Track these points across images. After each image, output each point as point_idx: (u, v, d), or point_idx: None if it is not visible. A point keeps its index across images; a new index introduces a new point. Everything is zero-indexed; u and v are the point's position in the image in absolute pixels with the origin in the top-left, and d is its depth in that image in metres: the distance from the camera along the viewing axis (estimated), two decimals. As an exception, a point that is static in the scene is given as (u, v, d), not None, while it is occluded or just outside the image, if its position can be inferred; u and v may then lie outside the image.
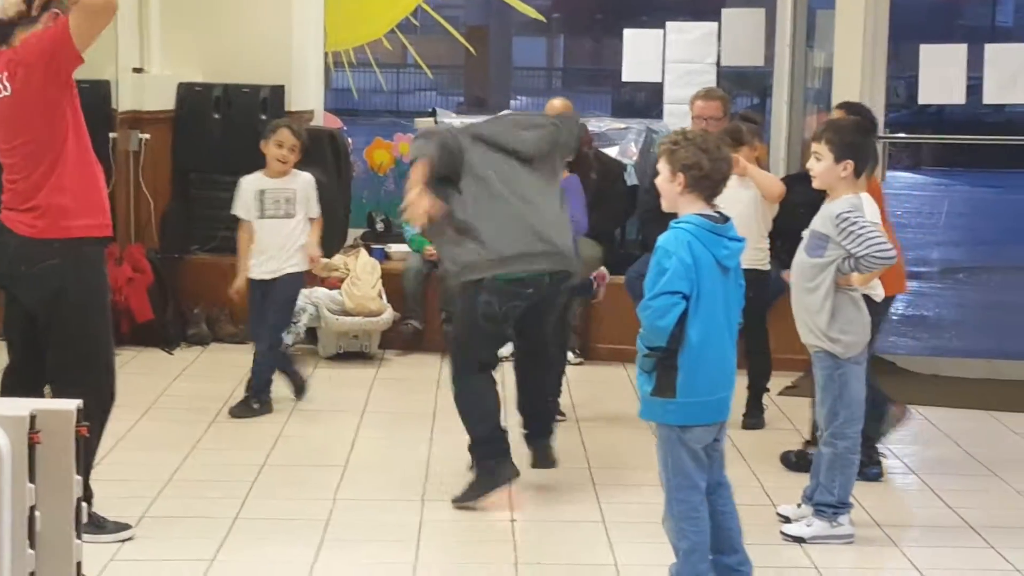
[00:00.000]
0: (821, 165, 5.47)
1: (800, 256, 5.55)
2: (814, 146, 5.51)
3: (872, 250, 5.30)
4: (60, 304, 5.26)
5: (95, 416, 5.05)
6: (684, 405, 4.70)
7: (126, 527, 5.47)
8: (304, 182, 7.39)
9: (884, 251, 5.33)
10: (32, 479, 3.57)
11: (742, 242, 4.77)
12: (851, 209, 5.37)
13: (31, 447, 3.57)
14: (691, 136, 4.78)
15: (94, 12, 5.06)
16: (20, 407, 3.61)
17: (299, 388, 7.54)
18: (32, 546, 3.56)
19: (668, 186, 4.74)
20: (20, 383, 5.38)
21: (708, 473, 4.82)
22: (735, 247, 4.73)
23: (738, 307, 4.78)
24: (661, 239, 4.68)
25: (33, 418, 3.57)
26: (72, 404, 3.73)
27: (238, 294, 7.39)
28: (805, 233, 5.71)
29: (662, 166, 4.75)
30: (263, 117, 8.06)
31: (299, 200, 7.33)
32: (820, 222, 5.48)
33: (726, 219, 4.73)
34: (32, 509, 3.56)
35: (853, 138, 5.51)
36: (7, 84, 5.15)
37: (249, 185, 7.36)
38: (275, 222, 7.31)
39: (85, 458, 5.06)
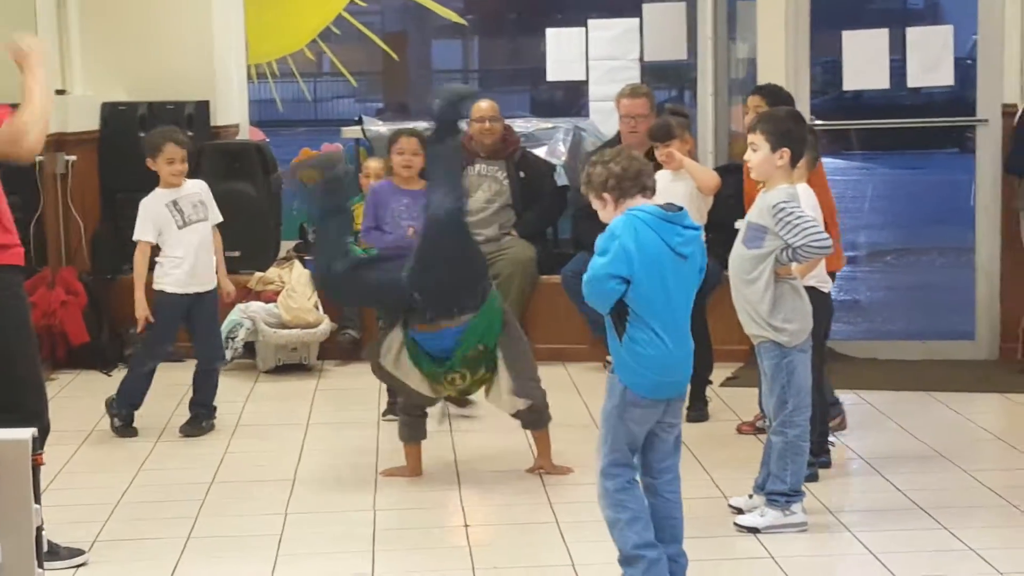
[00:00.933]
0: (758, 155, 5.50)
1: (738, 248, 5.58)
2: (750, 137, 5.54)
3: (809, 239, 5.34)
4: None
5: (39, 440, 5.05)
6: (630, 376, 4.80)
7: (80, 552, 5.42)
8: (203, 187, 7.30)
9: (820, 240, 5.37)
10: (-10, 510, 3.53)
11: (698, 230, 4.82)
12: (787, 199, 5.41)
13: (-13, 479, 3.52)
14: (595, 158, 4.90)
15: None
16: (-25, 439, 3.57)
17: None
18: (-6, 578, 3.52)
19: (605, 212, 4.83)
20: None
21: (657, 457, 4.87)
22: (690, 235, 4.77)
23: (691, 293, 4.82)
24: (613, 221, 4.74)
25: (-11, 449, 3.53)
26: (27, 432, 3.69)
27: (147, 320, 7.13)
28: (739, 224, 5.75)
29: (592, 202, 4.85)
30: (189, 133, 8.01)
31: (208, 201, 7.25)
32: (757, 213, 5.51)
33: (679, 208, 4.78)
34: (-8, 541, 3.52)
35: (788, 126, 5.55)
36: None
37: (155, 203, 7.16)
38: (200, 226, 7.19)
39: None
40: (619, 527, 4.83)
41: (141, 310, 7.15)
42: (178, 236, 7.16)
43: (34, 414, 5.21)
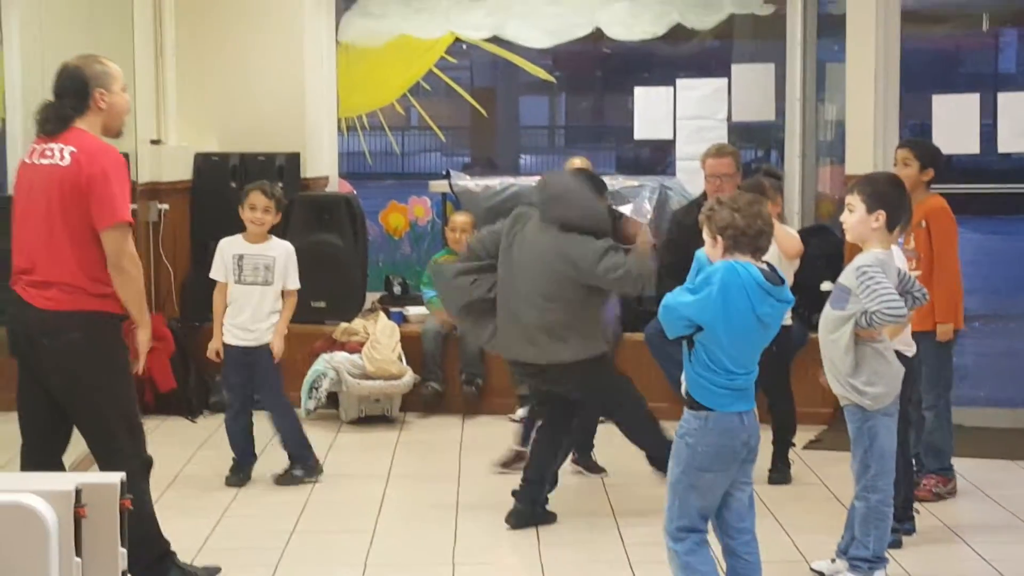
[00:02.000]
0: (853, 217, 5.50)
1: (827, 307, 5.58)
2: (847, 198, 5.54)
3: (882, 306, 5.32)
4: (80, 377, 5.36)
5: (139, 472, 5.39)
6: (696, 453, 4.81)
7: (217, 569, 5.71)
8: (285, 251, 7.28)
9: (894, 309, 5.34)
10: (79, 553, 3.58)
11: (789, 304, 4.82)
12: (872, 263, 5.40)
13: (77, 521, 3.58)
14: (725, 199, 4.91)
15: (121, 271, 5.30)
16: (66, 481, 3.63)
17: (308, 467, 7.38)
18: (80, 621, 3.57)
19: (712, 251, 4.84)
20: (40, 462, 5.43)
21: (733, 517, 4.87)
22: (779, 308, 4.79)
23: (757, 354, 4.84)
24: (716, 263, 4.77)
25: (79, 492, 3.59)
26: (116, 477, 3.75)
27: (217, 355, 7.27)
28: (826, 286, 5.74)
29: (705, 233, 4.87)
30: (280, 185, 8.11)
31: (277, 268, 7.23)
32: (845, 275, 5.51)
33: (781, 280, 4.79)
34: (80, 583, 3.58)
35: (885, 189, 5.55)
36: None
37: (227, 248, 7.29)
38: (252, 288, 7.23)
39: (148, 508, 5.45)
40: None
41: (215, 344, 7.31)
42: (236, 289, 7.26)
43: (133, 455, 5.43)
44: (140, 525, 5.14)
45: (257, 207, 7.20)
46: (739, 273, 4.72)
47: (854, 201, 5.51)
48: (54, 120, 5.35)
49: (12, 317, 5.41)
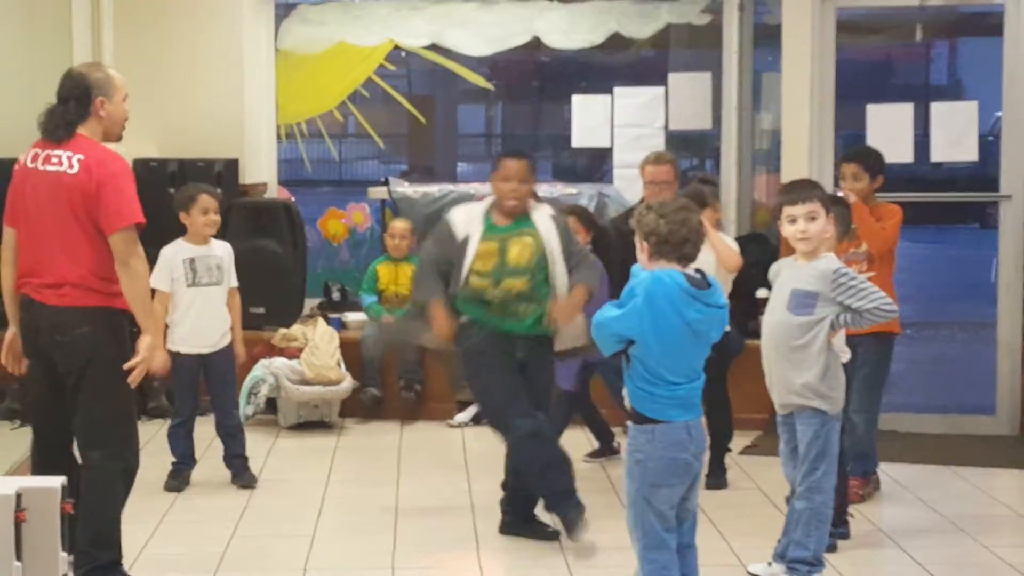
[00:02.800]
0: (818, 224, 5.52)
1: (781, 316, 5.56)
2: (808, 206, 5.50)
3: (879, 303, 5.39)
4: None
5: (120, 476, 5.47)
6: (647, 469, 4.81)
7: None
8: (226, 250, 7.36)
9: (887, 305, 5.42)
10: (19, 557, 3.57)
11: (722, 308, 4.84)
12: (843, 266, 5.48)
13: (17, 525, 3.57)
14: (654, 205, 4.93)
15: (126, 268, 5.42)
16: (5, 485, 3.62)
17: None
18: (22, 624, 3.56)
19: (641, 256, 4.88)
20: (50, 459, 5.47)
21: (678, 534, 4.88)
22: (709, 312, 4.80)
23: (699, 363, 4.87)
24: (642, 274, 4.80)
25: (19, 496, 3.59)
26: (56, 481, 3.75)
27: (165, 366, 7.01)
28: (764, 293, 5.79)
29: (636, 238, 4.90)
30: (218, 190, 8.09)
31: (225, 267, 7.31)
32: (805, 280, 5.51)
33: (707, 284, 4.81)
34: (21, 587, 3.57)
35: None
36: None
37: (174, 254, 7.24)
38: (208, 289, 7.26)
39: (115, 520, 5.42)
40: None
41: (162, 355, 7.00)
42: (183, 293, 7.23)
43: (117, 456, 5.50)
44: (102, 526, 5.20)
45: (210, 210, 7.24)
46: (663, 281, 4.74)
47: (816, 209, 5.52)
48: (61, 127, 5.48)
49: (24, 319, 5.56)
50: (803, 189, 5.68)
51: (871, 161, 6.97)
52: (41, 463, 5.54)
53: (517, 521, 6.50)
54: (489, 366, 6.34)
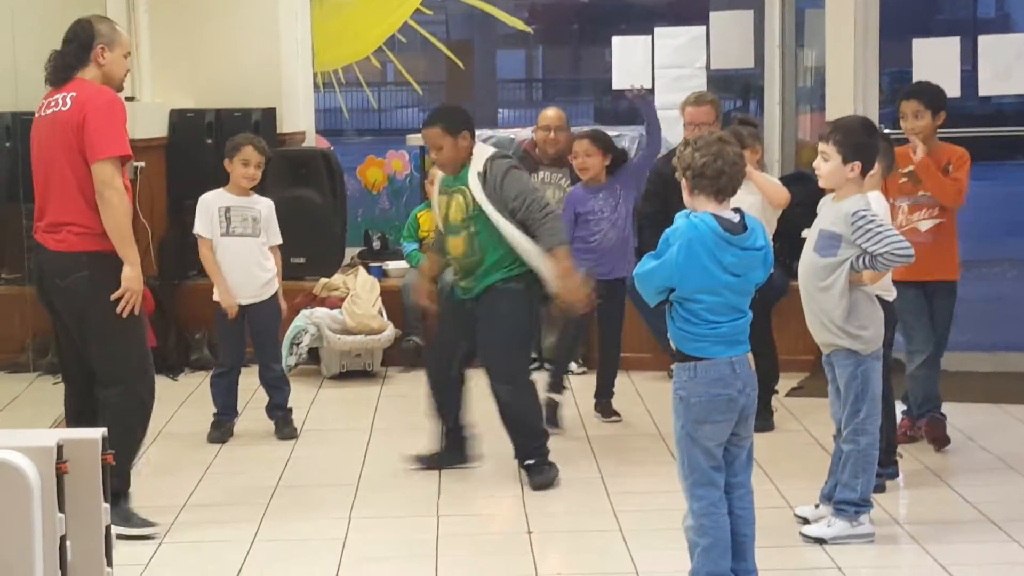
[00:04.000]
0: (828, 166, 5.47)
1: (810, 256, 5.54)
2: (821, 146, 5.51)
3: (892, 247, 5.31)
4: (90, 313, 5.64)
5: (134, 412, 5.67)
6: (690, 406, 4.77)
7: (152, 524, 5.76)
8: (268, 206, 7.29)
9: (902, 248, 5.33)
10: (61, 508, 3.55)
11: (760, 250, 4.77)
12: (865, 208, 5.38)
13: (59, 477, 3.55)
14: (691, 140, 4.89)
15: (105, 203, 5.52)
16: (47, 437, 3.60)
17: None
18: (64, 575, 3.54)
19: (684, 193, 4.82)
20: (79, 404, 5.80)
21: (729, 471, 4.83)
22: (747, 256, 4.73)
23: (744, 305, 4.80)
24: (675, 222, 4.74)
25: (60, 448, 3.56)
26: (98, 432, 3.72)
27: (233, 309, 7.16)
28: (807, 233, 5.71)
29: (678, 175, 4.84)
30: (264, 143, 8.03)
31: (263, 222, 7.24)
32: (831, 221, 5.47)
33: (745, 227, 4.74)
34: (62, 539, 3.55)
35: (860, 139, 5.51)
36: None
37: (212, 201, 7.23)
38: (244, 240, 7.20)
39: (129, 452, 5.64)
40: (696, 551, 4.81)
41: (227, 300, 7.17)
42: (217, 242, 7.20)
43: (131, 391, 5.68)
44: (117, 459, 5.24)
45: (251, 163, 7.19)
46: (696, 227, 4.68)
47: (829, 150, 5.47)
48: (60, 69, 5.66)
49: (33, 263, 5.79)
50: (826, 128, 5.62)
51: (931, 97, 6.80)
52: (71, 409, 5.82)
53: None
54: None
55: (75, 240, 5.58)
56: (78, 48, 5.66)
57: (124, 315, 5.59)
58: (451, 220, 6.41)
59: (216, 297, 7.21)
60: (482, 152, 6.44)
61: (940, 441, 6.82)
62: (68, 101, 5.57)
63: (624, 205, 7.50)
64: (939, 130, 6.83)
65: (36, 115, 5.72)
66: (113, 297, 5.56)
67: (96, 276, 5.57)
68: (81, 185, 5.54)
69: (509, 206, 6.31)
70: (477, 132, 9.81)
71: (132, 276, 5.60)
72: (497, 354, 6.40)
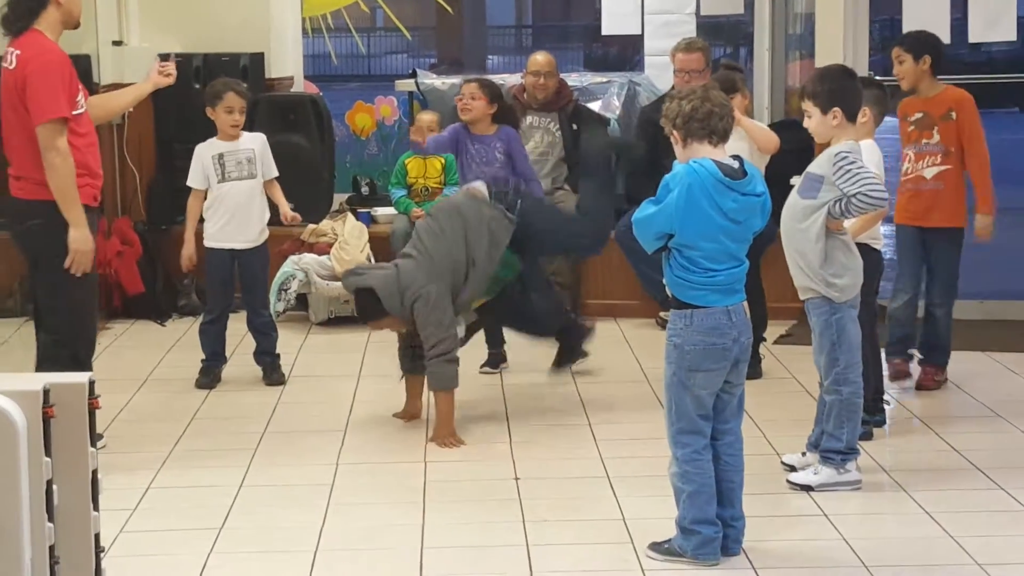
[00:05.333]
0: (812, 121, 5.48)
1: (792, 197, 5.54)
2: (803, 104, 5.51)
3: (864, 188, 5.28)
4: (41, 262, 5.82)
5: (67, 363, 5.65)
6: (684, 353, 4.76)
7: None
8: (260, 141, 7.32)
9: (876, 192, 5.31)
10: (48, 453, 3.55)
11: (760, 196, 4.76)
12: (850, 150, 5.37)
13: (46, 421, 3.55)
14: (674, 93, 4.93)
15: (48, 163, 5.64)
16: (33, 381, 3.59)
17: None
18: (50, 519, 3.55)
19: (677, 149, 4.80)
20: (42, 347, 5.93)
21: (719, 419, 4.84)
22: (746, 201, 4.72)
23: (742, 252, 4.78)
24: (676, 167, 4.73)
25: (47, 392, 3.55)
26: (84, 377, 3.71)
27: (190, 261, 7.26)
28: (795, 180, 5.70)
29: (668, 132, 4.83)
30: (246, 87, 8.00)
31: (258, 160, 7.26)
32: (817, 163, 5.47)
33: (745, 173, 4.73)
34: (49, 483, 3.55)
35: (832, 85, 5.49)
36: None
37: (205, 151, 7.24)
38: (240, 184, 7.21)
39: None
40: (682, 498, 4.83)
41: (187, 250, 7.27)
42: (216, 190, 7.20)
43: (66, 341, 5.80)
44: None
45: (235, 108, 7.18)
46: (696, 172, 4.67)
47: (807, 106, 5.48)
48: (13, 16, 5.73)
49: (4, 209, 5.95)
50: (802, 84, 5.64)
51: (912, 42, 6.85)
52: (38, 352, 5.93)
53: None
54: None
55: (32, 189, 5.72)
56: None
57: (76, 273, 5.71)
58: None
59: (206, 243, 7.20)
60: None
61: (898, 376, 6.96)
62: (14, 60, 5.68)
63: (500, 165, 7.47)
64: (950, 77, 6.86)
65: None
66: (65, 265, 5.70)
67: (49, 225, 5.70)
68: (31, 141, 5.66)
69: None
70: (466, 77, 9.82)
71: (78, 237, 5.71)
72: None
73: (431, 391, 6.35)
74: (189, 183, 7.28)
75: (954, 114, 6.72)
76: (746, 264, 4.81)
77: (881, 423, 6.25)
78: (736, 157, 4.79)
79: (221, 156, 7.21)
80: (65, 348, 5.78)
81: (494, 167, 7.41)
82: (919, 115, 6.77)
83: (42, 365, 5.81)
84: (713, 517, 4.81)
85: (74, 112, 5.71)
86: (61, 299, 5.80)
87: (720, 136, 4.75)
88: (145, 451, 6.13)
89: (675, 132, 4.78)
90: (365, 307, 6.39)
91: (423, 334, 6.23)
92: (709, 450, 4.82)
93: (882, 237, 6.14)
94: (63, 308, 5.81)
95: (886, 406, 6.34)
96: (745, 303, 4.86)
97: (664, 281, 4.85)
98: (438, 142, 7.72)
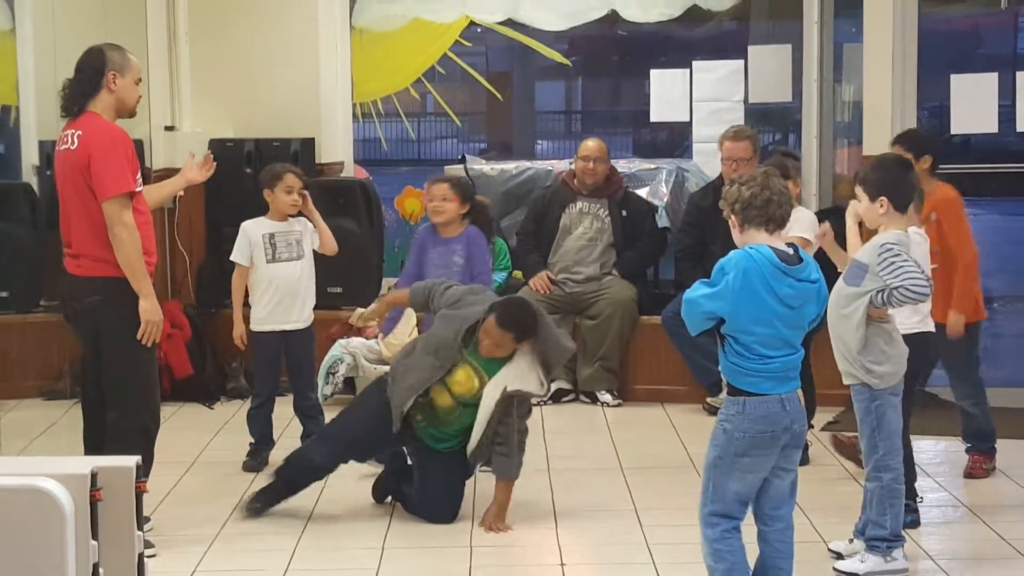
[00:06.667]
0: (861, 207, 5.56)
1: (839, 283, 5.56)
2: (855, 188, 5.57)
3: (907, 282, 5.30)
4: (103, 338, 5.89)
5: (134, 435, 5.76)
6: (732, 439, 4.75)
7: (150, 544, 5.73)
8: (305, 226, 7.35)
9: (918, 286, 5.32)
10: (95, 536, 3.57)
11: (815, 283, 4.77)
12: (896, 242, 5.38)
13: (93, 504, 3.58)
14: (736, 178, 4.91)
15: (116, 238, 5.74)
16: (81, 465, 3.62)
17: None
18: (96, 603, 3.57)
19: (735, 233, 4.84)
20: (92, 429, 6.01)
21: (770, 504, 4.82)
22: (802, 288, 4.73)
23: (797, 338, 4.78)
24: (728, 256, 4.75)
25: (94, 475, 3.58)
26: (131, 460, 3.74)
27: (242, 340, 7.29)
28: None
29: (727, 215, 4.86)
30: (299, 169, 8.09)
31: (305, 243, 7.32)
32: (863, 252, 5.49)
33: (801, 259, 4.74)
34: (96, 566, 3.57)
35: (880, 174, 5.55)
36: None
37: (254, 229, 7.28)
38: (290, 265, 7.25)
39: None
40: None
41: (238, 330, 7.30)
42: (265, 270, 7.24)
43: (133, 414, 5.87)
44: None
45: (294, 189, 7.23)
46: (753, 257, 4.69)
47: (858, 191, 5.58)
48: (72, 98, 5.86)
49: (60, 288, 6.04)
50: (861, 166, 5.69)
51: (912, 141, 6.78)
52: (87, 434, 6.01)
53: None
54: None
55: (91, 266, 5.82)
56: (90, 75, 5.85)
57: (147, 344, 5.81)
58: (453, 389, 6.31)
59: (252, 327, 7.25)
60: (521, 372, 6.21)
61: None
62: (75, 140, 5.78)
63: (458, 270, 7.13)
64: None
65: (56, 148, 5.94)
66: (138, 336, 5.78)
67: (109, 300, 5.80)
68: (91, 219, 5.77)
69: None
70: (515, 164, 9.89)
71: (148, 308, 5.81)
72: None
73: (495, 478, 6.31)
74: (234, 258, 7.31)
75: (934, 215, 6.68)
76: (801, 352, 4.81)
77: (915, 524, 6.07)
78: (790, 244, 4.81)
79: (272, 236, 7.26)
80: (133, 422, 5.84)
81: (451, 271, 7.11)
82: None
83: (112, 444, 5.80)
84: None
85: (136, 189, 5.83)
86: (125, 371, 5.85)
87: (777, 224, 4.78)
88: (192, 534, 6.15)
89: (733, 217, 4.81)
90: None
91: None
92: (739, 531, 4.81)
93: (931, 322, 6.10)
94: (127, 380, 5.86)
95: (919, 502, 6.24)
96: (799, 390, 4.85)
97: (719, 367, 4.85)
98: (407, 271, 7.40)
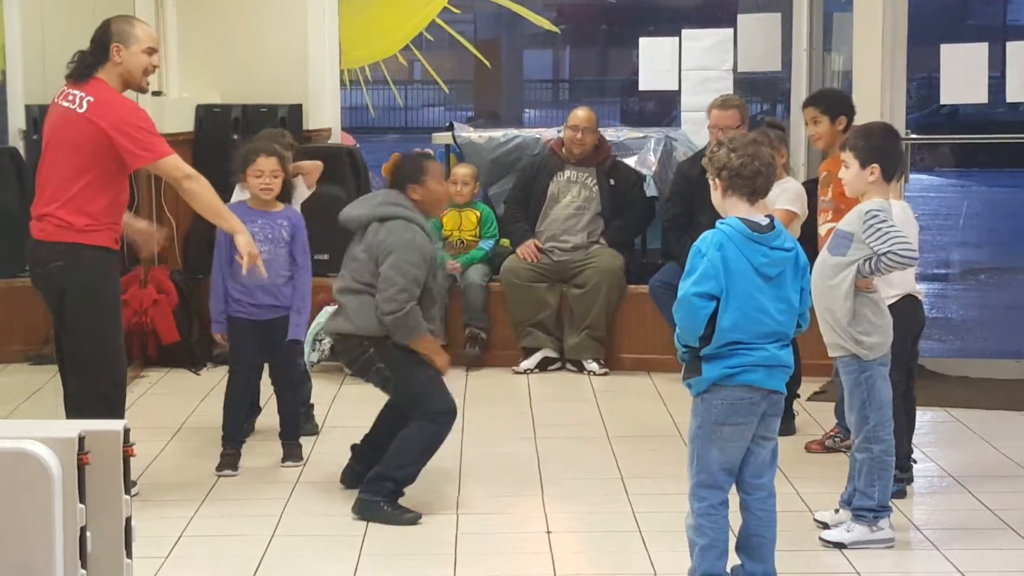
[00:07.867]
0: (848, 172, 5.51)
1: (822, 254, 5.55)
2: (842, 155, 5.54)
3: (895, 247, 5.29)
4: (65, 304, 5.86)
5: (94, 403, 5.74)
6: (711, 407, 4.74)
7: None
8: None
9: (907, 250, 5.32)
10: (82, 500, 3.57)
11: (790, 251, 4.75)
12: (880, 209, 5.38)
13: (80, 468, 3.57)
14: (725, 140, 4.86)
15: None
16: (69, 428, 3.62)
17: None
18: (83, 566, 3.57)
19: (714, 194, 4.79)
20: (67, 392, 5.99)
21: (751, 472, 4.82)
22: (776, 256, 4.71)
23: (784, 309, 4.76)
24: (699, 239, 4.71)
25: (82, 439, 3.58)
26: (119, 424, 3.73)
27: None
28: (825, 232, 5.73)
29: (709, 177, 4.83)
30: (287, 136, 8.04)
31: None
32: (847, 221, 5.48)
33: (772, 227, 4.73)
34: (83, 530, 3.57)
35: (875, 142, 5.53)
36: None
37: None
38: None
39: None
40: (695, 551, 4.83)
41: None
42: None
43: (92, 381, 5.85)
44: None
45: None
46: (724, 232, 4.67)
47: (847, 158, 5.52)
48: (79, 67, 5.87)
49: (26, 253, 6.03)
50: (847, 136, 5.66)
51: (827, 102, 6.89)
52: (65, 398, 5.99)
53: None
54: None
55: (53, 230, 5.79)
56: (97, 48, 5.89)
57: (246, 269, 5.97)
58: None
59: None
60: None
61: None
62: (84, 104, 5.78)
63: (285, 246, 6.66)
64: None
65: (52, 101, 5.92)
66: (243, 264, 5.91)
67: (71, 265, 5.78)
68: (75, 183, 5.75)
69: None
70: (503, 132, 9.87)
71: (244, 241, 5.97)
72: None
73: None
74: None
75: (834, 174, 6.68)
76: (791, 356, 4.81)
77: (909, 481, 6.20)
78: (768, 216, 4.79)
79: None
80: (92, 389, 5.84)
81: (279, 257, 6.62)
82: (824, 174, 6.74)
83: (72, 412, 5.85)
84: (723, 571, 4.81)
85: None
86: (88, 338, 5.84)
87: (760, 196, 4.76)
88: (178, 499, 6.15)
89: (717, 180, 4.78)
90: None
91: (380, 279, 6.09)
92: (726, 506, 4.81)
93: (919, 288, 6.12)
94: (88, 347, 5.85)
95: (914, 464, 6.31)
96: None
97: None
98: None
